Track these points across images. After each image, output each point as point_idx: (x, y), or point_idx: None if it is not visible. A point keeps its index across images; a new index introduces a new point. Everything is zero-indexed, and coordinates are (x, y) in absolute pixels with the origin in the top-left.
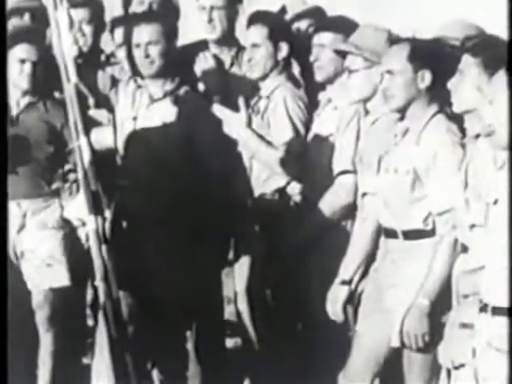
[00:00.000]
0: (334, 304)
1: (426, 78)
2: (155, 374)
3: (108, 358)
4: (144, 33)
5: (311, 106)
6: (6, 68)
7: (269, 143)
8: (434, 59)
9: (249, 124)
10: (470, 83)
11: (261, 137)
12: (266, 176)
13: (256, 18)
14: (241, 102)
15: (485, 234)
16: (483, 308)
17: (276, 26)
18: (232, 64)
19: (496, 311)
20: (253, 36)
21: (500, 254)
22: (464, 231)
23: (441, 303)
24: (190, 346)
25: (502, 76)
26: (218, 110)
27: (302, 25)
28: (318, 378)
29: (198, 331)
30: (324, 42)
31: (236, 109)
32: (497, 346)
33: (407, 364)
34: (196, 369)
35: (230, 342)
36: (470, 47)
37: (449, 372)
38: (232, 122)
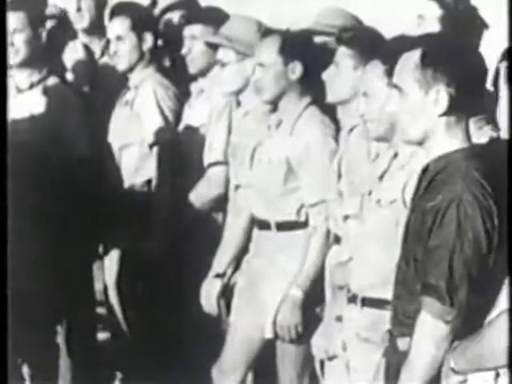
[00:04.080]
0: (208, 297)
1: (296, 70)
2: (25, 369)
3: None
4: (9, 21)
5: (183, 96)
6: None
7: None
8: (306, 51)
9: None
10: (344, 75)
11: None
12: (135, 167)
13: (118, 10)
14: None
15: (358, 224)
16: (352, 299)
17: (139, 16)
18: (102, 54)
19: (365, 302)
20: (116, 28)
21: (369, 245)
22: (337, 222)
23: (314, 295)
24: (60, 340)
25: (375, 66)
26: None
27: (175, 16)
28: (192, 371)
29: (68, 325)
30: (194, 34)
31: (105, 100)
32: (365, 337)
33: (280, 355)
34: (67, 363)
35: (101, 336)
36: (346, 39)
37: (322, 363)
38: None
